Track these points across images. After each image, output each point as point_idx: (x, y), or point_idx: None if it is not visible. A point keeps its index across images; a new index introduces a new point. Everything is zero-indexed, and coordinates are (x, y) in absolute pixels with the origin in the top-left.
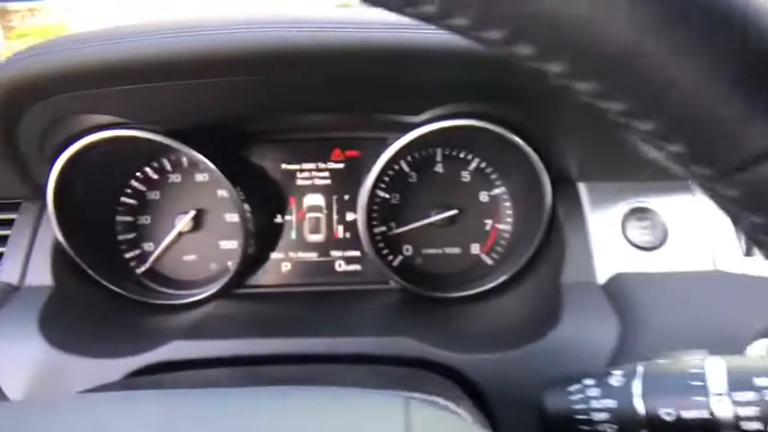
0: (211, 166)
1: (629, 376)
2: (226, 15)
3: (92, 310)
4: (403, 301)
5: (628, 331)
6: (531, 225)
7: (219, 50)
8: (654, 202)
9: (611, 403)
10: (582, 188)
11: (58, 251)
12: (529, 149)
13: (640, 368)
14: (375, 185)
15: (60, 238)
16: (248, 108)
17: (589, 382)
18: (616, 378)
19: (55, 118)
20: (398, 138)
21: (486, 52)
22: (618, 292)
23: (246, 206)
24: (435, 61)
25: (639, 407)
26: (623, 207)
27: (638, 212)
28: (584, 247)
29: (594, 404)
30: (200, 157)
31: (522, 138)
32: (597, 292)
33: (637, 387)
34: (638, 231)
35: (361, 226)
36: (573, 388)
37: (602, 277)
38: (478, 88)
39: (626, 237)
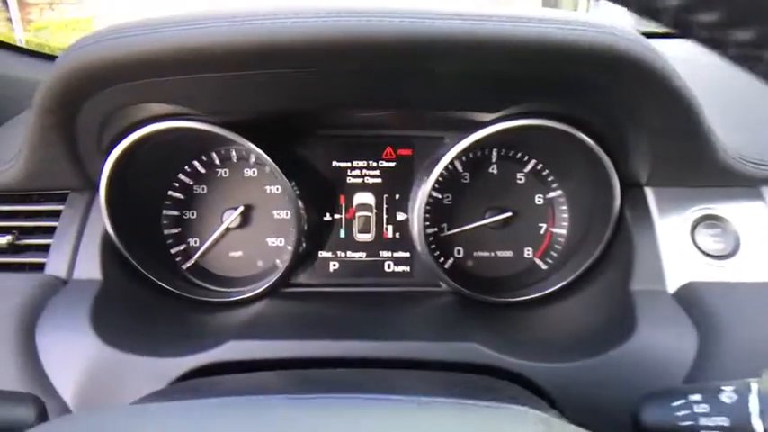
0: (268, 159)
1: (743, 393)
2: (294, 3)
3: (140, 307)
4: (456, 304)
5: (706, 343)
6: (591, 229)
7: (289, 38)
8: (724, 209)
9: (723, 421)
10: (649, 193)
11: (106, 245)
12: (600, 151)
13: (754, 385)
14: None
15: (110, 231)
16: (317, 101)
17: (696, 397)
18: (727, 394)
19: (114, 108)
20: (462, 137)
21: (579, 47)
22: (691, 301)
23: (300, 203)
24: (532, 55)
25: (758, 426)
26: (692, 214)
27: (708, 220)
28: (652, 253)
29: (704, 421)
30: (258, 150)
31: (594, 140)
32: (669, 300)
33: (754, 405)
34: (708, 239)
35: (416, 227)
36: (677, 403)
37: (671, 286)
38: (565, 85)
39: (696, 244)
